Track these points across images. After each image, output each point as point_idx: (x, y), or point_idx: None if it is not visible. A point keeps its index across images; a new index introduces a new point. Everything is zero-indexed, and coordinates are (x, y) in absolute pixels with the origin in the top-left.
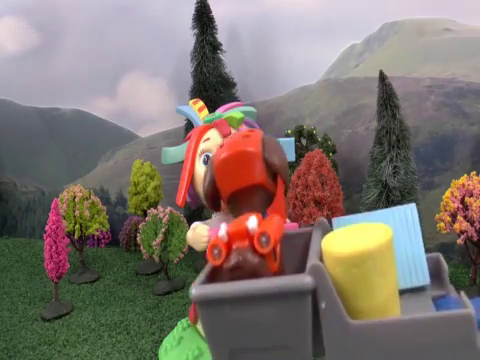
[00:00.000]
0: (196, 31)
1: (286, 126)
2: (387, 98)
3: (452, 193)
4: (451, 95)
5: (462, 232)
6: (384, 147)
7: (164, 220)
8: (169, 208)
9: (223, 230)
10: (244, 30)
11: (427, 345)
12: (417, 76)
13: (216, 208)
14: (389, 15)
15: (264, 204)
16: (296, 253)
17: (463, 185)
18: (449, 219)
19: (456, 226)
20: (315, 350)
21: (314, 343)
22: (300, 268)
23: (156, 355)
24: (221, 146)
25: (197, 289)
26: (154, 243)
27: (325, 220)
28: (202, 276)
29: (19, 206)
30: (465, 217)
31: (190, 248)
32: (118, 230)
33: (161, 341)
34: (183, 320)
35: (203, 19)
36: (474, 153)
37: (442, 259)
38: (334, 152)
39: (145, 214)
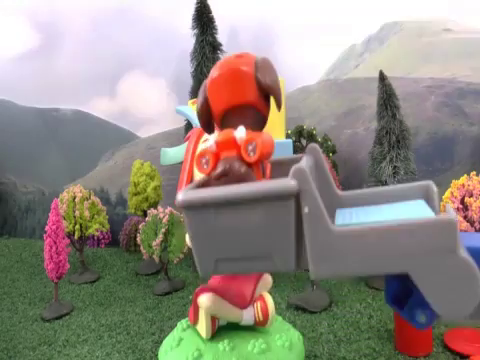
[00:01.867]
0: (196, 31)
1: (286, 126)
2: (387, 98)
3: (452, 193)
4: (451, 95)
5: None
6: (384, 147)
7: (164, 220)
8: (169, 208)
9: (212, 140)
10: (244, 30)
11: (409, 251)
12: (417, 76)
13: (209, 130)
14: (389, 15)
15: (256, 125)
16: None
17: (463, 185)
18: None
19: None
20: (299, 263)
21: (298, 255)
22: None
23: (156, 355)
24: (215, 66)
25: (183, 194)
26: (154, 243)
27: (316, 146)
28: (191, 185)
29: (19, 206)
30: (465, 217)
31: (190, 248)
32: (118, 230)
33: (161, 341)
34: (183, 321)
35: (203, 19)
36: (474, 153)
37: (433, 186)
38: (334, 152)
39: (145, 214)
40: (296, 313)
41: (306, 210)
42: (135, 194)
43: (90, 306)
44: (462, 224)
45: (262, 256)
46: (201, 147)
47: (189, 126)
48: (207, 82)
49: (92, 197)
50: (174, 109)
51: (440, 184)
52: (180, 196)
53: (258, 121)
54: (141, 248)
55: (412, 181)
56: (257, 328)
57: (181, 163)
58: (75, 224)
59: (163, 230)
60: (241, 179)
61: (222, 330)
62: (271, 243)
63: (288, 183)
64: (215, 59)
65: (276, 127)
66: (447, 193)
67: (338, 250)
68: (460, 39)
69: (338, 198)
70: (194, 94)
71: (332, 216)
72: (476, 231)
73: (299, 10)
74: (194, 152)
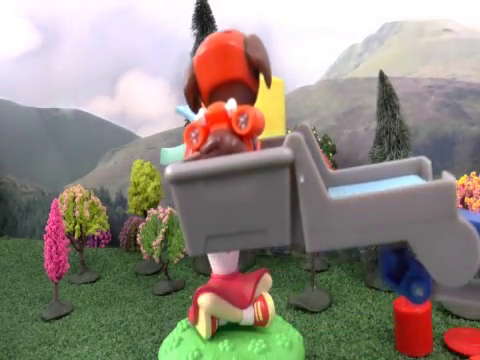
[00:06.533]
0: (196, 31)
1: (286, 126)
2: (387, 98)
3: None
4: (451, 95)
5: None
6: (384, 147)
7: (164, 220)
8: (169, 208)
9: (201, 114)
10: (244, 30)
11: (408, 218)
12: (417, 76)
13: (195, 107)
14: (389, 15)
15: (246, 102)
16: None
17: (463, 185)
18: None
19: None
20: (294, 237)
21: (293, 228)
22: None
23: (156, 355)
24: (203, 42)
25: (171, 168)
26: (154, 243)
27: (307, 125)
28: (180, 160)
29: (19, 206)
30: None
31: None
32: (118, 230)
33: (161, 341)
34: (183, 321)
35: (203, 19)
36: (474, 153)
37: (426, 160)
38: (334, 152)
39: (145, 214)
40: (296, 313)
41: (302, 180)
42: (135, 194)
43: (90, 306)
44: None
45: (255, 230)
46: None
47: None
48: (194, 58)
49: (92, 197)
50: (174, 109)
51: None
52: (168, 170)
53: (247, 98)
54: (141, 248)
55: None
56: (257, 328)
57: None
58: (75, 224)
59: (163, 230)
60: (232, 152)
61: (222, 330)
62: (265, 216)
63: (283, 152)
64: None
65: (276, 127)
66: None
67: (335, 220)
68: (460, 39)
69: (330, 177)
70: None
71: None
72: None
73: (299, 10)
74: (194, 152)
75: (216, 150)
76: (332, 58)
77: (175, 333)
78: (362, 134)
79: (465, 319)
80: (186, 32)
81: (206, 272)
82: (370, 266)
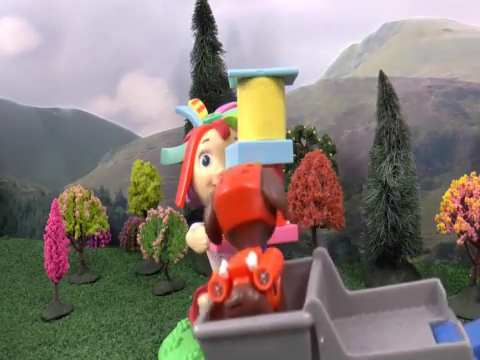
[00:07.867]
0: (196, 31)
1: (286, 126)
2: (387, 98)
3: (452, 193)
4: (451, 95)
5: (462, 232)
6: (384, 147)
7: (164, 220)
8: (169, 208)
9: (224, 267)
10: (244, 30)
11: None
12: (417, 76)
13: (217, 242)
14: (389, 15)
15: (264, 237)
16: (296, 282)
17: (463, 185)
18: (449, 219)
19: (456, 226)
20: None
21: None
22: (301, 299)
23: (156, 355)
24: (221, 181)
25: (200, 327)
26: (154, 243)
27: (324, 250)
28: (204, 313)
29: (19, 206)
30: (465, 217)
31: (190, 248)
32: (118, 230)
33: (161, 341)
34: (183, 321)
35: (203, 19)
36: (474, 153)
37: (440, 285)
38: (334, 152)
39: (145, 214)
40: None
41: (322, 340)
42: (135, 194)
43: (90, 306)
44: (462, 224)
45: None
46: (201, 147)
47: (189, 126)
48: (214, 196)
49: (92, 197)
50: (174, 109)
51: (440, 184)
52: (196, 328)
53: (266, 233)
54: (141, 248)
55: (412, 182)
56: None
57: (181, 163)
58: (75, 224)
59: (163, 230)
60: (255, 307)
61: None
62: None
63: (302, 317)
64: (215, 59)
65: (276, 127)
66: (447, 193)
67: None
68: (460, 39)
69: (347, 299)
70: (194, 94)
71: (342, 316)
72: (476, 231)
73: (299, 10)
74: (194, 152)
75: (240, 306)
76: (332, 58)
77: (175, 333)
78: (362, 134)
79: (465, 319)
80: (186, 32)
81: (206, 272)
82: (370, 266)
